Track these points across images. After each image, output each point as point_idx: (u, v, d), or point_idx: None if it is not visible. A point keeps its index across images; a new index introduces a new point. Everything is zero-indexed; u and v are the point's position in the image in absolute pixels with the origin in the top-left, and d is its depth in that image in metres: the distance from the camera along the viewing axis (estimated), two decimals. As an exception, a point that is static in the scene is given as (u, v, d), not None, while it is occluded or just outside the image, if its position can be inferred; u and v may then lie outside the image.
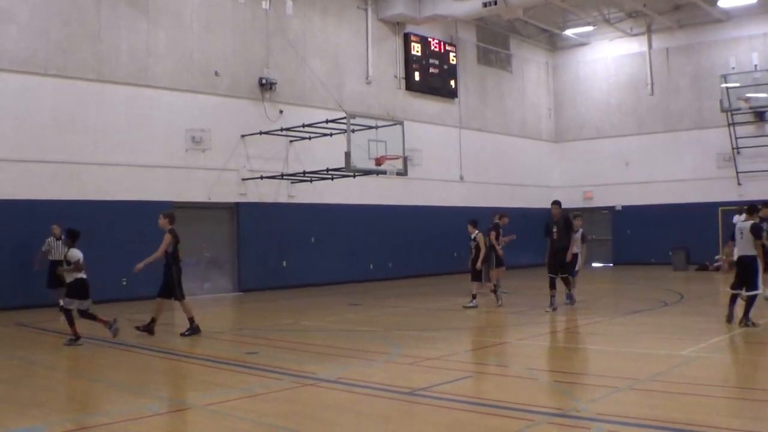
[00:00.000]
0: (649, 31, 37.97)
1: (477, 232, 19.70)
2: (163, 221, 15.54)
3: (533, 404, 8.55)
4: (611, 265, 38.14)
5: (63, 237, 19.57)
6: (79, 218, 21.90)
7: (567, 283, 18.66)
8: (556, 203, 18.91)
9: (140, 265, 15.12)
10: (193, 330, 15.33)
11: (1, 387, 10.48)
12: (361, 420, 8.25)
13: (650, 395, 9.09)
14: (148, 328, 15.35)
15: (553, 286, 18.18)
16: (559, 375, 10.42)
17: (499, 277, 20.90)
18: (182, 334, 15.21)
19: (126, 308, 21.06)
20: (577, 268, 19.62)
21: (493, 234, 20.79)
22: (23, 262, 20.85)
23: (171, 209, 16.38)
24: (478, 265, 19.51)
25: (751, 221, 14.63)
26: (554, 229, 18.41)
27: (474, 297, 19.51)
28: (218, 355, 12.76)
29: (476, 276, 19.60)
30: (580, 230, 19.84)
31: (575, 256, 19.22)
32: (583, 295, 19.71)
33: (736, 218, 28.26)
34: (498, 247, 20.84)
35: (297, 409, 8.76)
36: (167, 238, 15.29)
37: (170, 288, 15.43)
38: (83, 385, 10.55)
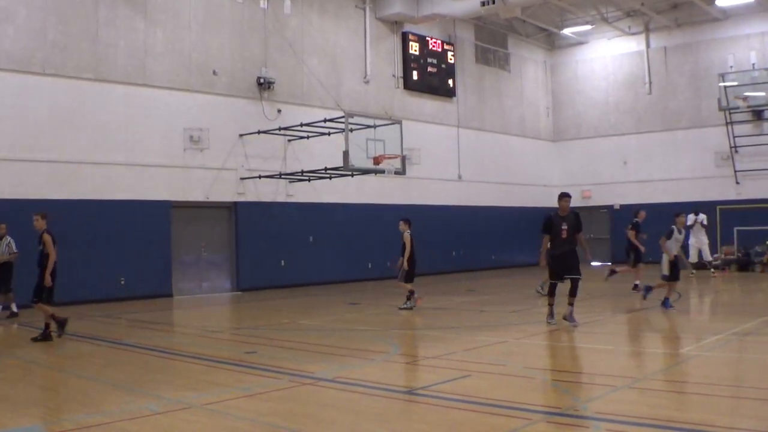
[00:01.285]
0: (647, 30, 38.00)
1: (406, 231, 19.32)
2: (41, 222, 14.88)
3: (532, 403, 8.55)
4: (610, 263, 38.11)
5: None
6: (76, 217, 21.98)
7: (575, 292, 15.14)
8: (567, 196, 15.49)
9: (48, 278, 14.47)
10: (45, 336, 14.51)
11: (-1, 386, 10.49)
12: (359, 419, 8.24)
13: (649, 394, 9.09)
14: (47, 335, 14.58)
15: (553, 293, 15.40)
16: (557, 374, 10.42)
17: (641, 274, 20.80)
18: (34, 339, 14.54)
19: (124, 307, 21.07)
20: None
21: (632, 231, 20.50)
22: (20, 262, 20.82)
23: (44, 210, 15.59)
24: (401, 263, 19.25)
25: None
26: (564, 227, 15.07)
27: (409, 298, 19.23)
28: (217, 355, 12.75)
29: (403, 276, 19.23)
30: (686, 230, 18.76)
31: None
32: (582, 294, 19.67)
33: (691, 217, 28.59)
34: (639, 244, 20.71)
35: (295, 408, 8.75)
36: (48, 239, 14.63)
37: (40, 289, 14.55)
38: (81, 385, 10.53)
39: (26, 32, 21.57)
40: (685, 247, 29.57)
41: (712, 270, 28.78)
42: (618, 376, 10.19)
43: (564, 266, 15.07)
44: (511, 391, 9.43)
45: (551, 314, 15.41)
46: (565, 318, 15.01)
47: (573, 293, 14.99)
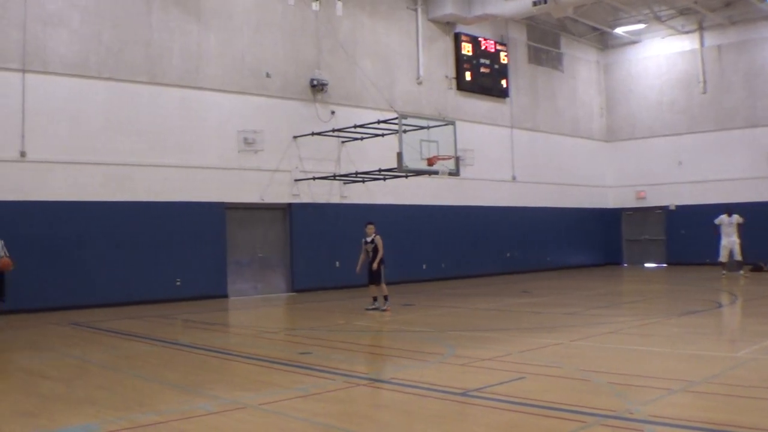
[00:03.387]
0: (701, 29, 37.51)
1: (375, 234, 19.43)
2: None
3: (586, 405, 8.49)
4: (665, 265, 37.76)
5: None
6: (131, 220, 22.29)
7: None
8: None
9: None
10: None
11: (56, 385, 10.64)
12: (413, 420, 8.24)
13: (704, 397, 8.98)
14: None
15: None
16: (612, 376, 10.33)
17: None
18: None
19: (179, 308, 21.27)
20: None
21: None
22: (78, 263, 21.18)
23: None
24: (375, 266, 19.27)
25: None
26: None
27: (375, 300, 19.53)
28: (272, 355, 12.83)
29: (374, 279, 19.37)
30: None
31: None
32: (637, 296, 19.46)
33: (724, 218, 28.27)
34: None
35: (350, 409, 8.78)
36: None
37: None
38: (137, 384, 10.65)
39: (81, 37, 21.89)
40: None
41: (724, 273, 28.33)
42: (673, 379, 10.09)
43: None
44: (565, 393, 9.37)
45: None
46: None
47: None
